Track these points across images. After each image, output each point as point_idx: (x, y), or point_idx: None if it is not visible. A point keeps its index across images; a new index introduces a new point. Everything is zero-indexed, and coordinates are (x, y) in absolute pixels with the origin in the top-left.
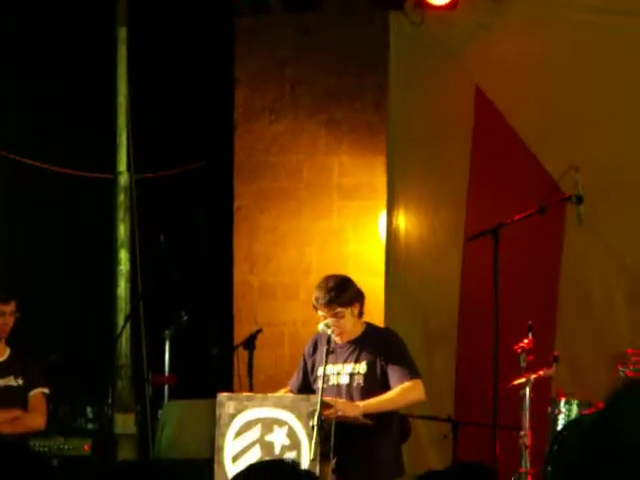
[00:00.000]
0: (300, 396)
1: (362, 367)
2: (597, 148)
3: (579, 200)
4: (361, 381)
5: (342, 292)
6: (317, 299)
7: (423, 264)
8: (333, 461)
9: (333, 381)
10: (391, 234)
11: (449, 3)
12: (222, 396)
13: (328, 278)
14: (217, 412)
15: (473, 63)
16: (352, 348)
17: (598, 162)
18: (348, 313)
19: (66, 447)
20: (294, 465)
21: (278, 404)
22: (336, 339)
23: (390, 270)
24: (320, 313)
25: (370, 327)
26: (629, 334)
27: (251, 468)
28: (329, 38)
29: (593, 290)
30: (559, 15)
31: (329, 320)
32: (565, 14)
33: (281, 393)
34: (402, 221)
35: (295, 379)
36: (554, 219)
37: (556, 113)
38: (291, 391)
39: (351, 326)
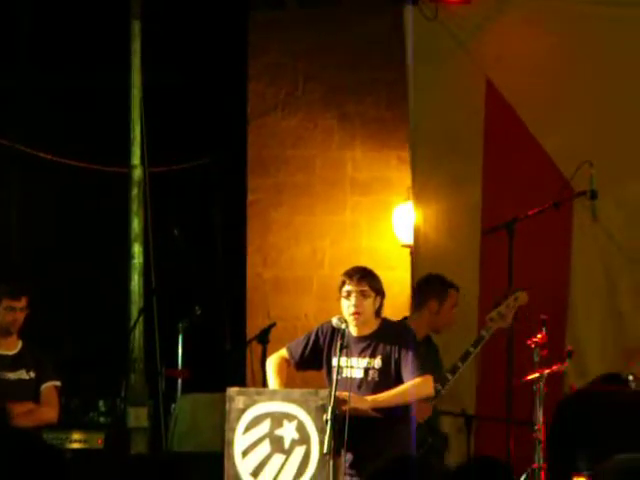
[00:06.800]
0: (309, 390)
1: (377, 362)
2: (604, 142)
3: (593, 195)
4: (376, 376)
5: (375, 278)
6: (349, 273)
7: (443, 261)
8: (346, 455)
9: (345, 374)
10: (416, 232)
11: None
12: (231, 391)
13: (361, 266)
14: (227, 406)
15: (484, 56)
16: (367, 343)
17: (605, 156)
18: (372, 299)
19: (79, 440)
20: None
21: (287, 398)
22: (350, 320)
23: (417, 267)
24: (346, 288)
25: (386, 323)
26: (636, 328)
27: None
28: (341, 33)
29: (600, 284)
30: (566, 7)
31: (351, 299)
32: (571, 6)
33: (276, 357)
34: (422, 219)
35: (300, 348)
36: (563, 214)
37: (565, 106)
38: (287, 360)
39: (370, 313)
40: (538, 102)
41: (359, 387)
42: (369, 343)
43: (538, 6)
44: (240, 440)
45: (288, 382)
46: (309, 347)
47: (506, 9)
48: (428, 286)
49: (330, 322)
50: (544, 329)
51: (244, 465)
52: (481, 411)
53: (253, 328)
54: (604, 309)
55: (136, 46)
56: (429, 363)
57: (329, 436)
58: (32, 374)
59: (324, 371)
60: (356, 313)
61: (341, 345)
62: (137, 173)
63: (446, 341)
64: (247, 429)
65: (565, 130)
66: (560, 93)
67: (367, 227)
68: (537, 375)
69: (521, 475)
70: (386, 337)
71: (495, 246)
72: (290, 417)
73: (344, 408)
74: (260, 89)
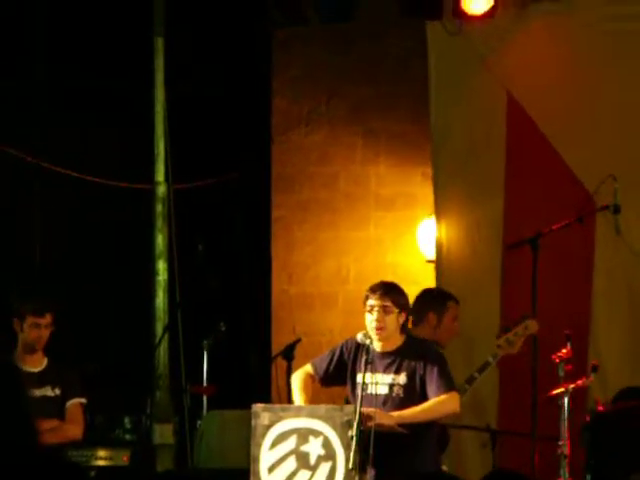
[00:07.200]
0: (334, 406)
1: (402, 378)
2: (626, 155)
3: (617, 209)
4: (401, 392)
5: (399, 294)
6: (373, 288)
7: (465, 276)
8: (372, 471)
9: (370, 390)
10: (439, 246)
11: (487, 12)
12: (257, 407)
13: (387, 281)
14: (252, 423)
15: (505, 70)
16: (392, 359)
17: (627, 169)
18: (395, 315)
19: (104, 458)
20: None
21: (313, 414)
22: (373, 334)
23: (439, 282)
24: (369, 302)
25: (410, 339)
26: None
27: None
28: (364, 48)
29: (622, 298)
30: (586, 21)
31: (374, 314)
32: (591, 20)
33: (301, 373)
34: (444, 234)
35: (324, 364)
36: (585, 227)
37: (586, 120)
38: (312, 376)
39: (393, 329)
40: (560, 116)
41: (384, 403)
42: (394, 359)
43: (558, 20)
44: (266, 456)
45: (313, 398)
46: (334, 363)
47: (526, 23)
48: (425, 300)
49: (355, 338)
50: (569, 344)
51: None
52: (504, 425)
53: (278, 344)
54: (626, 323)
55: (159, 62)
56: None
57: (354, 452)
58: (57, 391)
59: (348, 387)
60: (378, 328)
61: (365, 361)
62: (161, 189)
63: (466, 355)
64: (273, 445)
65: (587, 143)
66: (582, 107)
67: (392, 243)
68: (562, 390)
69: None
70: (411, 353)
71: (517, 260)
72: (316, 433)
73: (370, 424)
74: (284, 105)
